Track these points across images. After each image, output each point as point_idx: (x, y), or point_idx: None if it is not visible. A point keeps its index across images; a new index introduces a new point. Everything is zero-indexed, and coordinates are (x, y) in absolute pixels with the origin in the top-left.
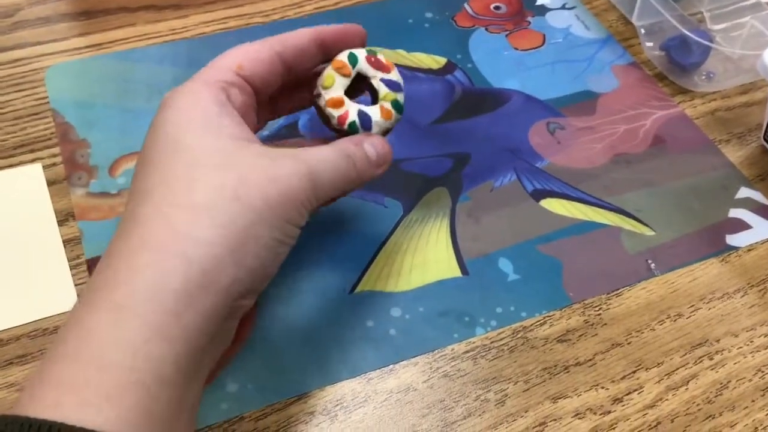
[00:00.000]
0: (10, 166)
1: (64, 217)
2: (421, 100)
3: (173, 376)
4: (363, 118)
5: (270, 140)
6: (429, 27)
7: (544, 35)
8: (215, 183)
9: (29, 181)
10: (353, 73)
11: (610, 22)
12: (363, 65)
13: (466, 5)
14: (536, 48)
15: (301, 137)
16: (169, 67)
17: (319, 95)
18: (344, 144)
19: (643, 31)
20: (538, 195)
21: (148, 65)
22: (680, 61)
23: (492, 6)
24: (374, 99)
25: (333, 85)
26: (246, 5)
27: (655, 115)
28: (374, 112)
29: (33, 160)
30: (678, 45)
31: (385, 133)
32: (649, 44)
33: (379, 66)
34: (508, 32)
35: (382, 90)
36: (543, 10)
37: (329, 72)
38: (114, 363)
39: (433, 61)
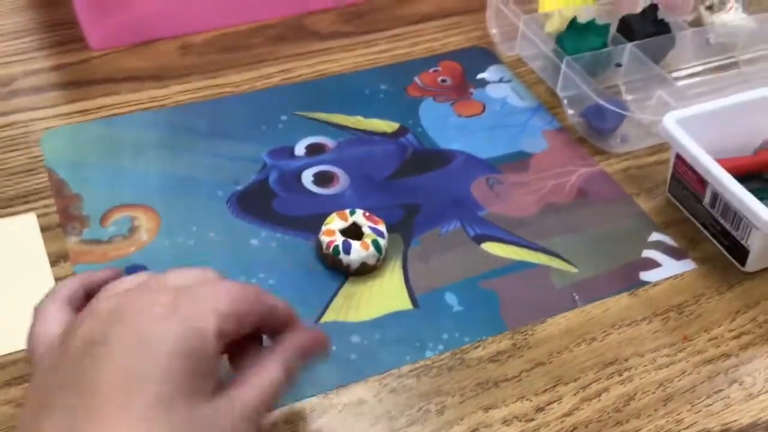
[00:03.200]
0: (7, 215)
1: (56, 259)
2: (377, 159)
3: None
4: (345, 245)
5: (244, 195)
6: (383, 96)
7: (484, 104)
8: None
9: (24, 227)
10: (350, 221)
11: (540, 93)
12: (359, 218)
13: (416, 78)
14: (477, 115)
15: (273, 194)
16: (151, 132)
17: (320, 231)
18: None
19: (565, 101)
20: (479, 239)
21: (132, 130)
22: (597, 126)
23: (439, 79)
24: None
25: (331, 223)
26: (218, 77)
27: (579, 171)
28: (356, 244)
29: (27, 210)
30: (594, 112)
31: (362, 267)
32: (571, 112)
33: (371, 220)
34: (452, 101)
35: (368, 232)
36: (483, 83)
37: (332, 215)
38: None
39: (387, 126)
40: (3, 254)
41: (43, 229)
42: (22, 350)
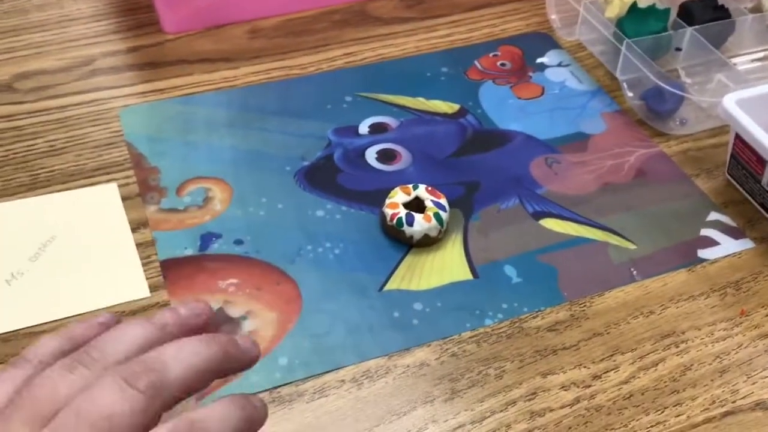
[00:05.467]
0: (90, 185)
1: (136, 226)
2: (438, 138)
3: None
4: (408, 217)
5: (310, 170)
6: (444, 79)
7: (543, 87)
8: None
9: (106, 196)
10: (413, 195)
11: (599, 76)
12: (422, 192)
13: (476, 62)
14: (536, 97)
15: (338, 169)
16: (223, 110)
17: (383, 204)
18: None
19: (625, 84)
20: (538, 215)
21: (205, 108)
22: (656, 109)
23: (498, 63)
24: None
25: (395, 197)
26: (286, 60)
27: (638, 152)
28: (419, 216)
29: (108, 181)
30: (654, 95)
31: (424, 239)
32: (630, 94)
33: (433, 194)
34: (512, 84)
35: (430, 205)
36: (542, 67)
37: (395, 189)
38: None
39: (448, 107)
40: (87, 221)
41: (124, 198)
42: (108, 307)
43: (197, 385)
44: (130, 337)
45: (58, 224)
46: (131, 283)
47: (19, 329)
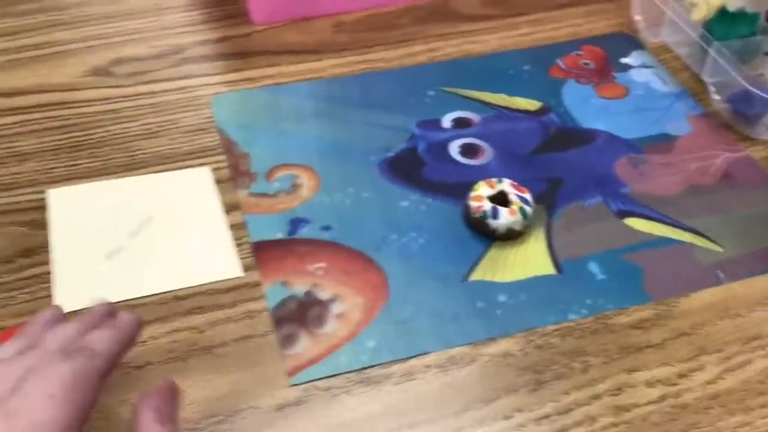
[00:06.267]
0: (184, 167)
1: (228, 209)
2: (521, 135)
3: None
4: (493, 211)
5: (394, 161)
6: (527, 77)
7: (627, 87)
8: None
9: (199, 179)
10: (497, 188)
11: (684, 79)
12: (506, 186)
13: (558, 60)
14: (620, 97)
15: (421, 161)
16: (309, 101)
17: (466, 197)
18: None
19: (712, 87)
20: (622, 214)
21: (292, 98)
22: (744, 112)
23: (581, 62)
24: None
25: (479, 190)
26: (371, 53)
27: (724, 155)
28: (504, 210)
29: (201, 164)
30: (742, 98)
31: (508, 233)
32: (717, 98)
33: (518, 189)
34: (595, 84)
35: (515, 199)
36: (626, 67)
37: (479, 183)
38: None
39: (530, 104)
40: (183, 201)
41: (216, 182)
42: (202, 284)
43: (116, 357)
44: (67, 330)
45: (156, 204)
46: (225, 262)
47: (119, 301)
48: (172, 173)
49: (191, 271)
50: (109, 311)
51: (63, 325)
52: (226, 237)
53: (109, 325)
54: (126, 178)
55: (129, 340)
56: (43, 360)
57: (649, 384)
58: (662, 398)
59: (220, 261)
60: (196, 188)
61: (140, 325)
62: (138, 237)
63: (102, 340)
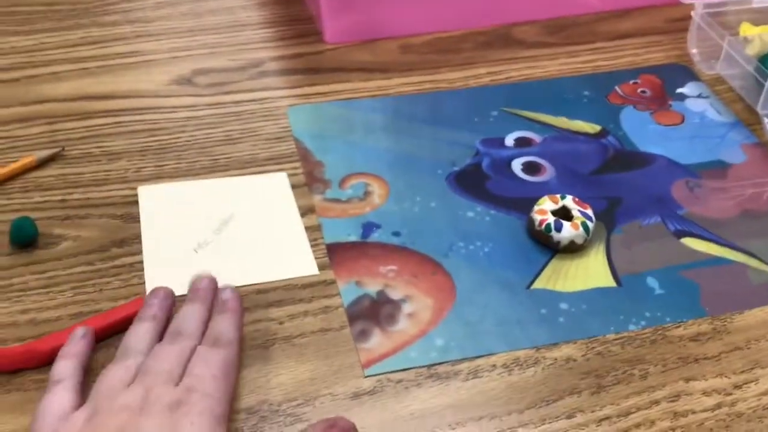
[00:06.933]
0: (263, 172)
1: (303, 212)
2: (581, 155)
3: None
4: (557, 224)
5: (460, 175)
6: (586, 102)
7: (683, 115)
8: None
9: (277, 184)
10: (560, 203)
11: (738, 110)
12: (569, 202)
13: (616, 87)
14: (676, 125)
15: (486, 176)
16: (378, 115)
17: (529, 211)
18: None
19: (766, 119)
20: (680, 234)
21: (363, 113)
22: None
23: (639, 90)
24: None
25: (543, 204)
26: (435, 74)
27: None
28: (567, 224)
29: (278, 170)
30: None
31: (570, 245)
32: None
33: (580, 205)
34: (652, 111)
35: (577, 214)
36: (682, 96)
37: (543, 197)
38: None
39: (590, 128)
40: (262, 203)
41: (292, 186)
42: (282, 280)
43: (240, 340)
44: (195, 315)
45: (237, 204)
46: (302, 260)
47: None
48: (252, 177)
49: (272, 267)
50: (214, 285)
51: (191, 310)
52: (302, 237)
53: (227, 309)
54: (209, 180)
55: (241, 323)
56: (200, 349)
57: (705, 393)
58: (718, 406)
59: (298, 259)
60: (274, 192)
61: (241, 299)
62: (222, 233)
63: (229, 330)
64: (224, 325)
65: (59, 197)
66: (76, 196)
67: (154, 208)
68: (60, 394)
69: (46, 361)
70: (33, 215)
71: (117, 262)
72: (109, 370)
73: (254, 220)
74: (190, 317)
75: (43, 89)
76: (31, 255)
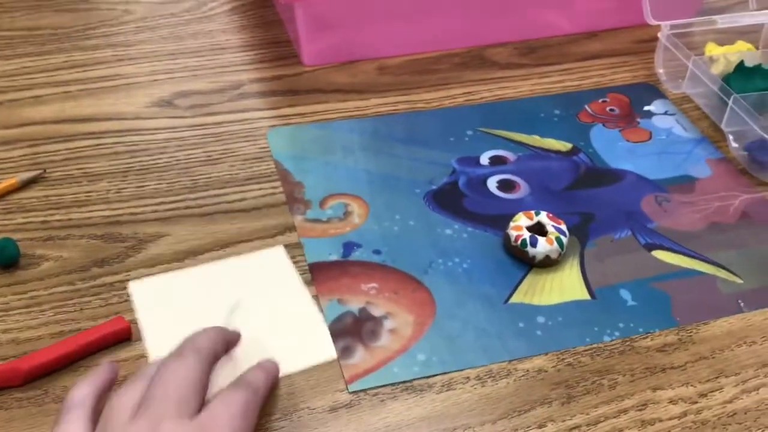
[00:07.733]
0: (242, 191)
1: (282, 230)
2: (554, 173)
3: None
4: (532, 239)
5: (438, 193)
6: (557, 120)
7: (650, 132)
8: None
9: (274, 259)
10: (535, 220)
11: (703, 127)
12: (543, 218)
13: (586, 106)
14: (644, 141)
15: (462, 194)
16: (356, 136)
17: (505, 228)
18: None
19: (730, 135)
20: (650, 247)
21: (341, 133)
22: (760, 160)
23: (608, 108)
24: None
25: (518, 220)
26: (411, 94)
27: (742, 197)
28: (542, 239)
29: (258, 189)
30: (758, 147)
31: (545, 260)
32: (735, 145)
33: (554, 220)
34: (621, 128)
35: (552, 230)
36: (649, 114)
37: (518, 214)
38: None
39: (562, 145)
40: (264, 285)
41: (271, 206)
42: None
43: (268, 392)
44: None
45: (240, 289)
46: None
47: None
48: (248, 255)
49: (291, 356)
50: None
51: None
52: (317, 319)
53: (263, 368)
54: (202, 267)
55: (274, 382)
56: (222, 391)
57: (672, 401)
58: (684, 414)
59: (275, 274)
60: (274, 269)
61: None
62: (231, 325)
63: (258, 378)
64: (256, 374)
65: (41, 218)
66: (57, 217)
67: (150, 303)
68: (75, 424)
69: (28, 379)
70: (15, 236)
71: (97, 282)
72: (118, 394)
73: (262, 305)
74: (201, 334)
75: (25, 112)
76: (12, 275)
